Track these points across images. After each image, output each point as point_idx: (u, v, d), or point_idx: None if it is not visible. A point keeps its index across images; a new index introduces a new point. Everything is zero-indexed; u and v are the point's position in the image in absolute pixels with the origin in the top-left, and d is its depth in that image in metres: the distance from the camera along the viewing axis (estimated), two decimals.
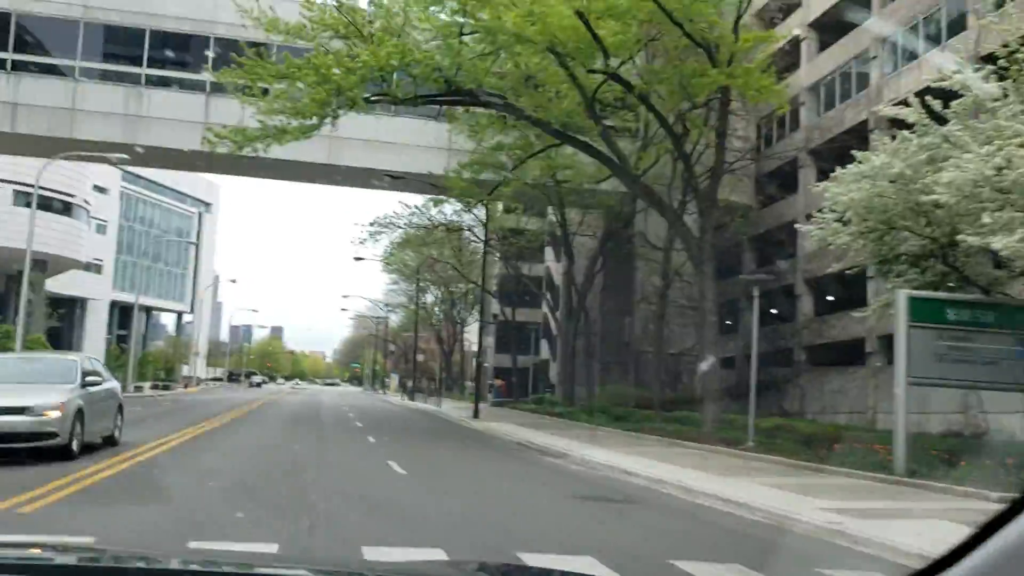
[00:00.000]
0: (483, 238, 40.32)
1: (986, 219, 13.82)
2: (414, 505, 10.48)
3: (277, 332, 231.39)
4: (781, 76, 28.88)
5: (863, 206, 16.36)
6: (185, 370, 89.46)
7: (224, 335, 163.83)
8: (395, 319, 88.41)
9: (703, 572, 7.25)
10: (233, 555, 2.33)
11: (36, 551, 1.68)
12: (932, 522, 10.10)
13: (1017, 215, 13.73)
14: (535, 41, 21.10)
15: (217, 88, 36.26)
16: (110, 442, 15.31)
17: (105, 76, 36.34)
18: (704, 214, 24.98)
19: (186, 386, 64.81)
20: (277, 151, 36.49)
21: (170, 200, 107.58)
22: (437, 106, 36.21)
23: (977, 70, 15.74)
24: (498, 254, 44.11)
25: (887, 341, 25.95)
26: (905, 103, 17.03)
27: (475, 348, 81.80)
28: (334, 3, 24.52)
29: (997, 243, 13.68)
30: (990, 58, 16.35)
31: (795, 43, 35.34)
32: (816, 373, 35.73)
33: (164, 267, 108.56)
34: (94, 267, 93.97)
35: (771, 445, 20.49)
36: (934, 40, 28.51)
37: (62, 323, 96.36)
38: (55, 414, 12.86)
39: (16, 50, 35.26)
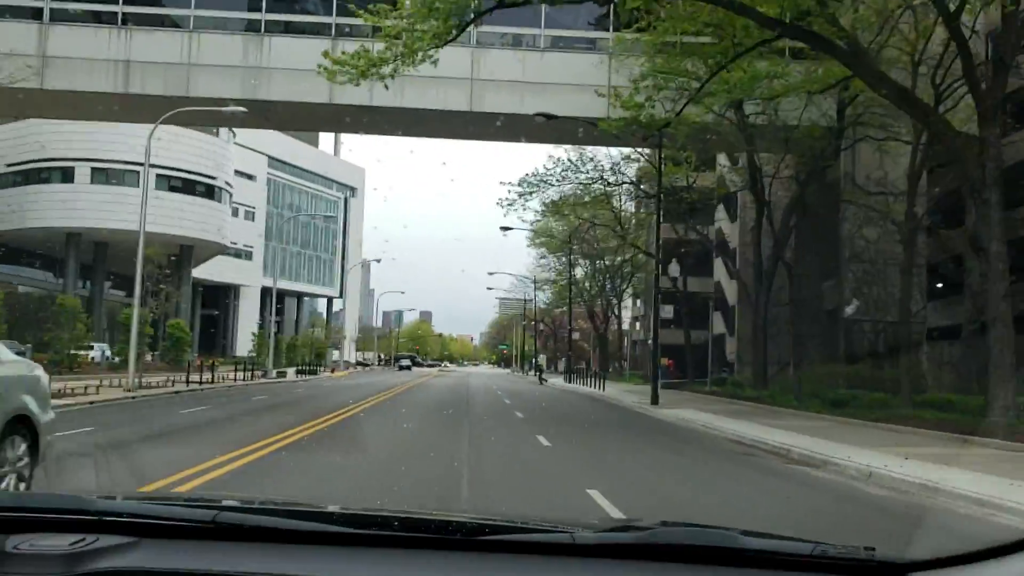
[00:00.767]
0: (649, 191, 33.81)
1: None
2: None
3: (426, 317, 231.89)
4: None
5: None
6: (335, 355, 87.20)
7: (377, 321, 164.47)
8: (543, 297, 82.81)
9: None
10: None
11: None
12: None
13: None
14: None
15: (343, 32, 31.22)
16: None
17: (220, 24, 31.90)
18: (985, 118, 17.44)
19: (332, 371, 61.43)
20: (412, 98, 31.31)
21: (316, 186, 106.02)
22: (597, 26, 29.95)
23: None
24: (659, 215, 37.24)
25: None
26: None
27: (627, 326, 75.02)
28: None
29: None
30: None
31: None
32: None
33: (313, 253, 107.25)
34: (244, 254, 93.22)
35: None
36: None
37: (217, 310, 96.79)
38: None
39: (127, 2, 31.37)
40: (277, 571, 1.37)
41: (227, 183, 63.60)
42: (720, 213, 43.52)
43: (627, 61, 26.27)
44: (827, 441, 15.96)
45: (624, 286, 56.38)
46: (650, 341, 49.85)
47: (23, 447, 6.97)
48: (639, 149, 35.51)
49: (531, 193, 37.05)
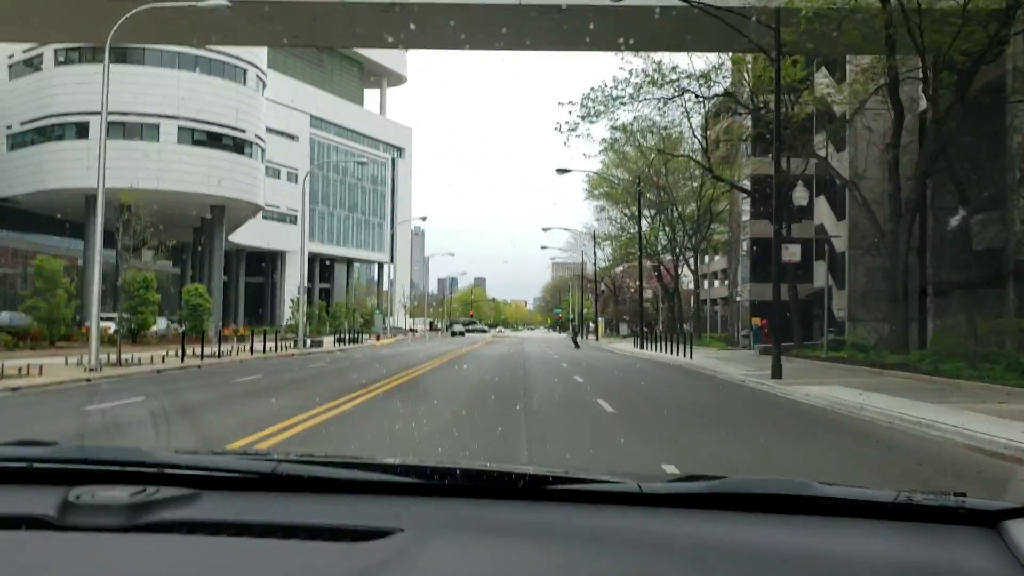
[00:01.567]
0: (751, 104, 26.17)
1: None
2: None
3: (480, 283, 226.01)
4: None
5: None
6: (387, 321, 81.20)
7: (432, 288, 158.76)
8: (602, 256, 75.31)
9: None
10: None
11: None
12: None
13: None
14: None
15: None
16: None
17: None
18: None
19: (378, 339, 55.12)
20: None
21: (362, 146, 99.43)
22: None
23: None
24: (778, 123, 29.41)
25: None
26: None
27: (692, 285, 67.07)
28: None
29: None
30: None
31: None
32: None
33: (361, 216, 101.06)
34: (289, 218, 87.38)
35: None
36: None
37: (263, 277, 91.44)
38: None
39: None
40: (338, 521, 1.31)
41: (258, 137, 57.14)
42: (819, 142, 35.47)
43: None
44: None
45: (701, 238, 48.41)
46: (738, 298, 42.33)
47: None
48: (729, 55, 27.83)
49: (597, 115, 29.33)
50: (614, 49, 26.63)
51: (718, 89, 30.75)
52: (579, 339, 61.69)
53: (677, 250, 53.10)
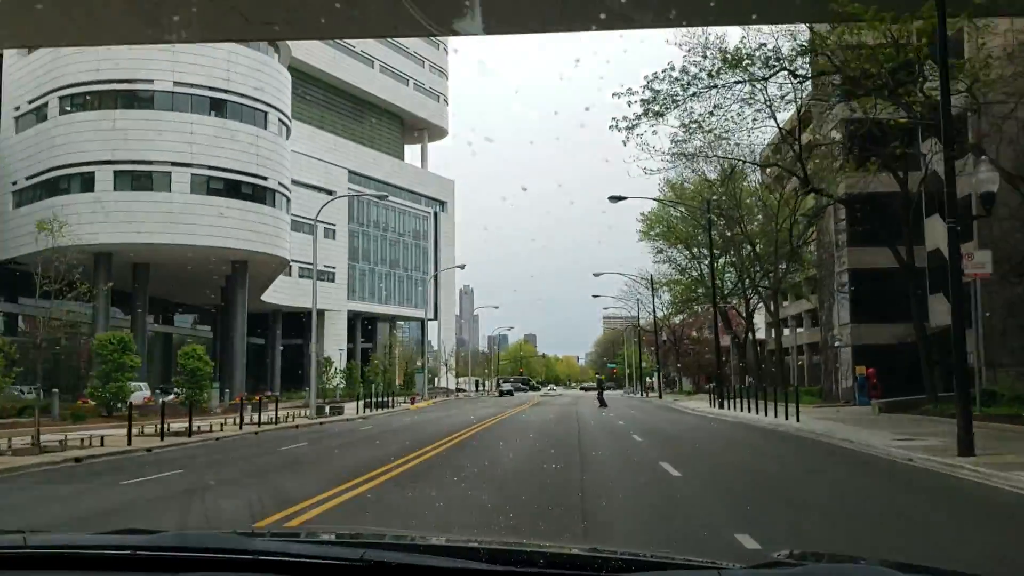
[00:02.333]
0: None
1: None
2: None
3: (530, 339, 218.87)
4: None
5: None
6: (432, 381, 74.61)
7: (482, 345, 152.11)
8: (658, 304, 68.00)
9: None
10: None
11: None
12: None
13: None
14: None
15: None
16: None
17: None
18: None
19: (413, 401, 48.51)
20: None
21: (403, 201, 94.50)
22: None
23: None
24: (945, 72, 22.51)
25: None
26: None
27: (763, 333, 59.26)
28: None
29: None
30: None
31: None
32: None
33: (404, 273, 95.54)
34: (327, 275, 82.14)
35: None
36: None
37: (301, 338, 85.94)
38: None
39: None
40: None
41: (282, 185, 51.80)
42: (929, 147, 28.29)
43: None
44: None
45: (780, 276, 40.85)
46: (837, 343, 34.27)
47: None
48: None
49: (664, 104, 22.26)
50: (669, 23, 20.09)
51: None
52: (639, 396, 54.34)
53: (749, 292, 45.70)
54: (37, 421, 18.25)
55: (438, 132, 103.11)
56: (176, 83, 46.43)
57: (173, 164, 46.31)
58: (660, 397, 55.13)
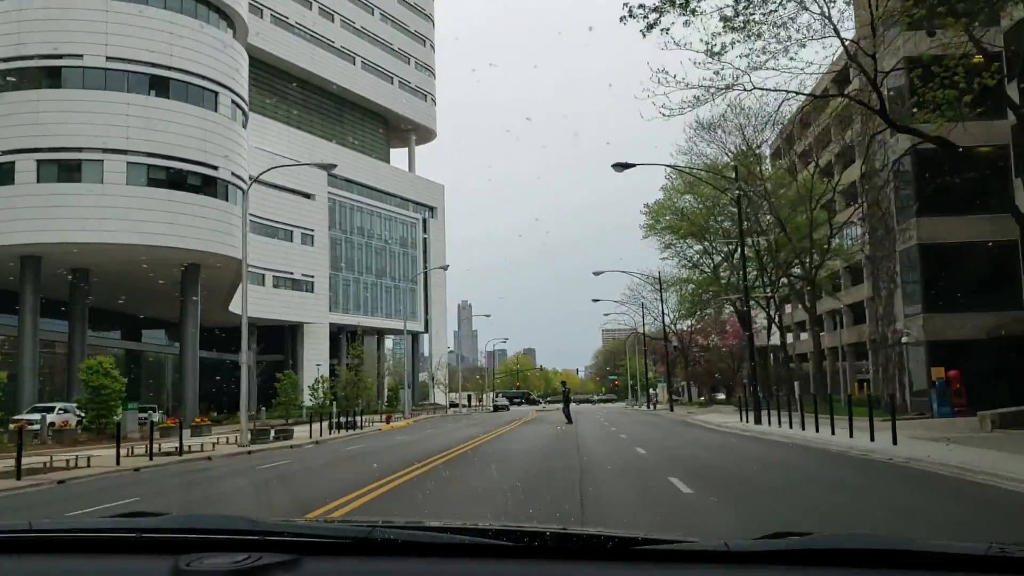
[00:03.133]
0: None
1: None
2: None
3: (529, 354, 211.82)
4: None
5: None
6: (411, 399, 67.47)
7: (482, 362, 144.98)
8: (654, 311, 61.02)
9: None
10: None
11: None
12: None
13: None
14: None
15: None
16: None
17: None
18: None
19: (388, 420, 41.39)
20: None
21: (388, 206, 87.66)
22: None
23: None
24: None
25: None
26: None
27: (778, 338, 52.30)
28: None
29: None
30: None
31: None
32: None
33: (391, 282, 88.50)
34: (305, 284, 75.14)
35: None
36: None
37: (282, 354, 78.83)
38: None
39: None
40: None
41: (237, 176, 44.90)
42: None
43: None
44: None
45: (816, 265, 33.81)
46: (905, 338, 27.04)
47: None
48: None
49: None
50: None
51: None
52: (645, 409, 47.24)
53: (776, 286, 38.75)
54: None
55: (426, 134, 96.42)
56: (109, 58, 39.66)
57: (106, 151, 39.42)
58: (671, 410, 48.02)
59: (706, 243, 48.72)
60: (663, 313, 49.09)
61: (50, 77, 39.43)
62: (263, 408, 44.64)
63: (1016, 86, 21.46)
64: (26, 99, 38.91)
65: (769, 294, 40.16)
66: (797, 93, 20.04)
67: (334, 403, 42.74)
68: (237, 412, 47.30)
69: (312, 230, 73.68)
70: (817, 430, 21.05)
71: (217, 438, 27.68)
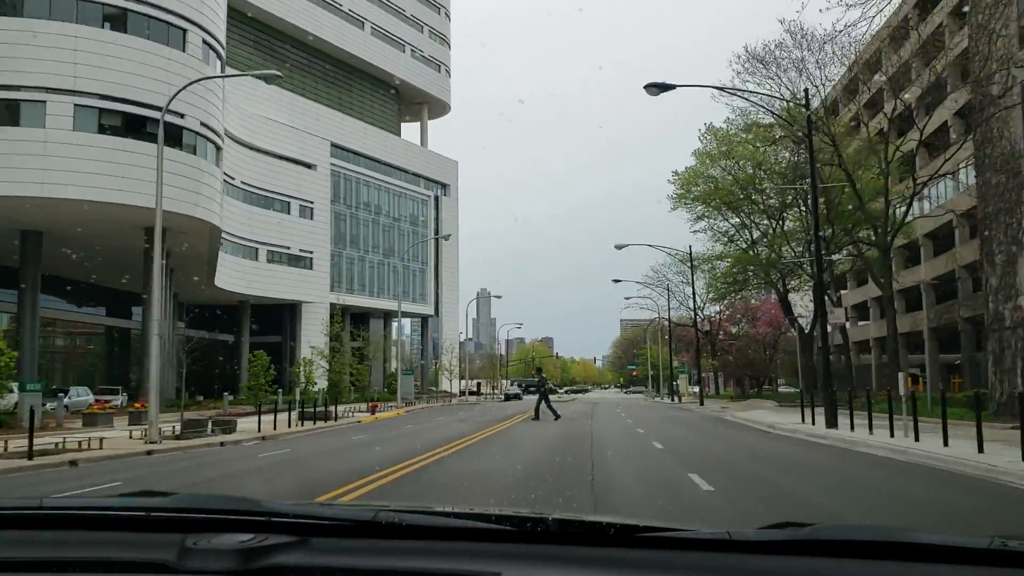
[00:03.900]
0: None
1: None
2: None
3: (547, 342, 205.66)
4: None
5: None
6: (407, 386, 61.32)
7: (501, 350, 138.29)
8: (676, 296, 54.21)
9: None
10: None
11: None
12: None
13: None
14: None
15: None
16: None
17: None
18: None
19: (373, 410, 35.17)
20: None
21: (399, 182, 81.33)
22: None
23: None
24: None
25: None
26: None
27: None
28: None
29: None
30: None
31: None
32: None
33: (400, 262, 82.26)
34: (303, 260, 69.09)
35: None
36: None
37: (281, 335, 72.96)
38: None
39: None
40: (438, 566, 1.32)
41: (209, 128, 38.68)
42: None
43: None
44: None
45: (895, 228, 27.22)
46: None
47: None
48: None
49: None
50: None
51: None
52: (668, 402, 40.67)
53: (836, 258, 31.96)
54: None
55: (440, 107, 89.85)
56: None
57: (49, 91, 33.37)
58: (701, 404, 41.36)
59: (743, 214, 42.01)
60: (693, 293, 42.42)
61: None
62: (226, 394, 38.49)
63: None
64: None
65: (830, 263, 33.37)
66: None
67: (320, 390, 36.65)
68: (224, 396, 41.47)
69: (311, 202, 67.58)
70: (917, 438, 14.56)
71: (130, 431, 21.58)
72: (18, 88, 33.11)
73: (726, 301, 54.80)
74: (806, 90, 22.89)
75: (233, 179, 60.21)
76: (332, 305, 70.30)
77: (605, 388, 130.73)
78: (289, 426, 25.48)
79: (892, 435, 16.03)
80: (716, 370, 58.81)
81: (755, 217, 42.50)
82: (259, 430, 23.06)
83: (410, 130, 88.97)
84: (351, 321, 73.39)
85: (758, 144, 37.00)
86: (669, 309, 53.03)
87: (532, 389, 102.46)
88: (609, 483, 10.37)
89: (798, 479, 11.49)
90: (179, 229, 38.38)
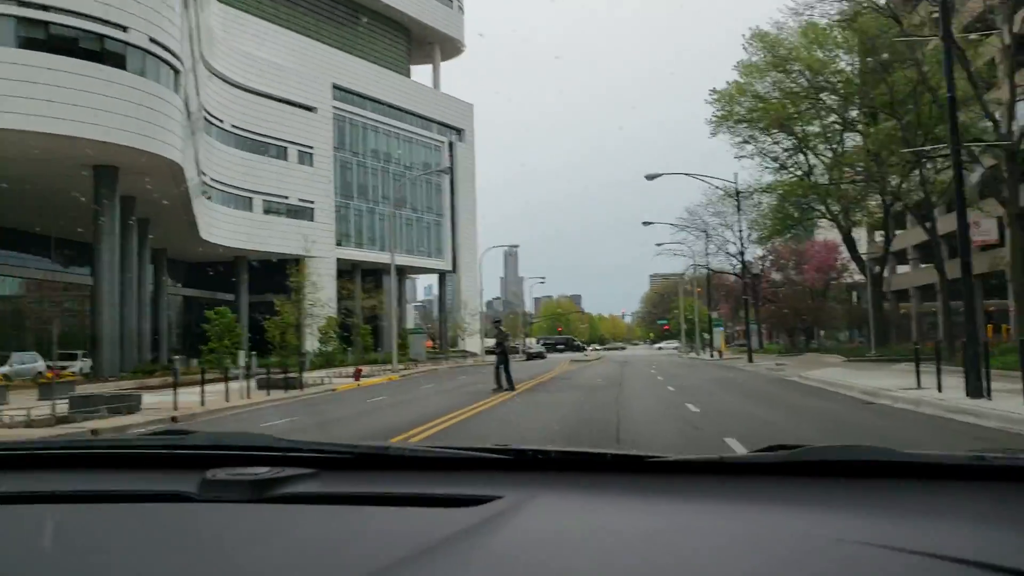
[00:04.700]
0: None
1: None
2: None
3: (575, 300, 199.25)
4: None
5: None
6: (418, 346, 55.43)
7: (530, 308, 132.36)
8: (713, 242, 47.39)
9: None
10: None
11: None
12: None
13: None
14: None
15: None
16: None
17: None
18: None
19: (358, 375, 29.28)
20: None
21: (410, 127, 74.60)
22: None
23: None
24: None
25: None
26: None
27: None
28: None
29: None
30: None
31: None
32: None
33: (412, 214, 75.95)
34: (304, 211, 63.11)
35: None
36: None
37: (285, 293, 67.44)
38: None
39: None
40: (444, 491, 1.36)
41: (161, 46, 32.37)
42: None
43: None
44: None
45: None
46: None
47: None
48: None
49: None
50: None
51: None
52: (707, 357, 34.41)
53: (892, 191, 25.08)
54: None
55: (452, 47, 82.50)
56: None
57: None
58: (750, 360, 34.70)
59: (797, 138, 35.02)
60: (740, 227, 35.36)
61: None
62: (176, 358, 32.75)
63: None
64: None
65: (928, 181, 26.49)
66: None
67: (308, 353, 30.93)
68: (174, 361, 35.84)
69: (311, 147, 61.33)
70: None
71: (11, 415, 15.80)
72: None
73: (768, 245, 47.94)
74: None
75: (221, 121, 54.16)
76: (340, 260, 64.51)
77: (636, 344, 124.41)
78: (228, 399, 19.52)
79: None
80: (761, 321, 52.06)
81: (810, 141, 35.52)
82: (175, 407, 17.10)
83: (422, 75, 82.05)
84: (362, 278, 67.54)
85: (822, 41, 29.95)
86: (707, 252, 46.24)
87: (560, 347, 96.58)
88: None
89: None
90: (135, 169, 32.44)
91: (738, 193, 34.08)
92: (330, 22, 68.76)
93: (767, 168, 35.69)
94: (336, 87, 65.32)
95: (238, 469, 1.42)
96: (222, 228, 50.89)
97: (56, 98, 28.25)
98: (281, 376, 24.50)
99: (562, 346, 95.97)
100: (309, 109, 62.07)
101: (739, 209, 34.40)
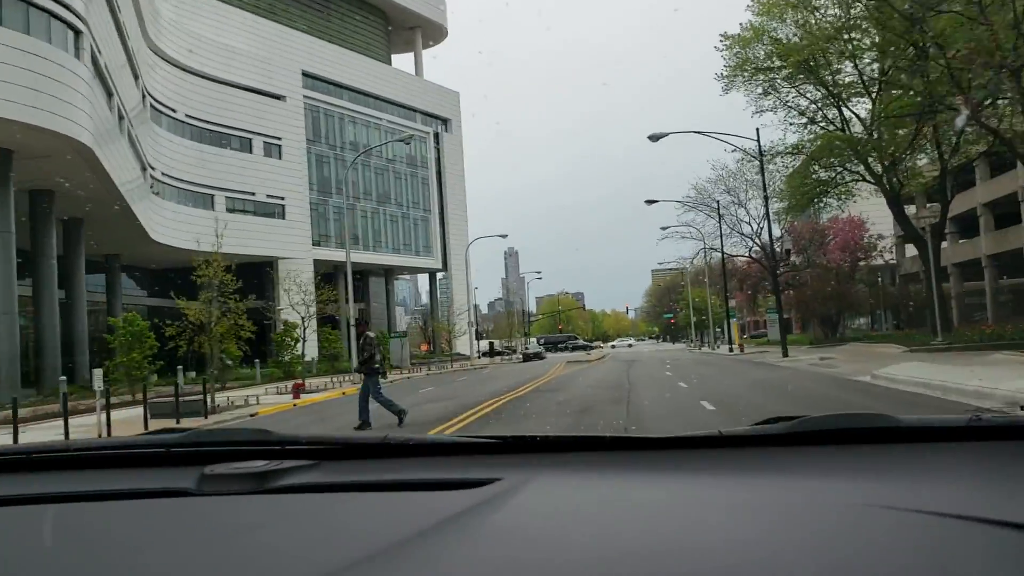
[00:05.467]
0: None
1: None
2: None
3: (578, 298, 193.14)
4: None
5: None
6: (399, 351, 49.65)
7: (532, 307, 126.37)
8: (718, 223, 41.45)
9: None
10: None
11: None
12: None
13: None
14: None
15: None
16: None
17: None
18: None
19: (297, 392, 23.36)
20: None
21: (390, 116, 68.78)
22: None
23: None
24: None
25: None
26: None
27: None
28: None
29: None
30: None
31: None
32: None
33: (397, 210, 70.19)
34: (273, 209, 57.37)
35: None
36: None
37: (267, 296, 61.64)
38: None
39: None
40: (443, 476, 1.38)
41: (58, 2, 26.58)
42: None
43: None
44: None
45: None
46: None
47: None
48: None
49: None
50: None
51: None
52: (722, 351, 28.67)
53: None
54: None
55: (435, 32, 76.67)
56: None
57: None
58: (785, 354, 28.49)
59: (827, 86, 29.07)
60: (765, 196, 29.29)
61: None
62: (62, 378, 26.83)
63: None
64: None
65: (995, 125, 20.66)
66: None
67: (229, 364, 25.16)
68: (60, 382, 29.83)
69: (279, 139, 55.60)
70: None
71: None
72: None
73: (786, 224, 41.97)
74: None
75: (174, 111, 48.49)
76: (325, 262, 58.73)
77: (642, 340, 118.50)
78: (101, 434, 13.70)
79: None
80: (787, 309, 46.00)
81: (842, 92, 29.61)
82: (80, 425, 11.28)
83: (406, 64, 76.22)
84: (343, 278, 61.61)
85: None
86: (721, 232, 40.22)
87: (563, 346, 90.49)
88: None
89: None
90: (29, 151, 26.63)
91: (761, 154, 28.10)
92: (298, 4, 63.04)
93: (791, 125, 29.84)
94: (306, 74, 59.60)
95: (237, 463, 1.40)
96: (178, 229, 45.07)
97: None
98: (191, 399, 18.64)
99: (563, 344, 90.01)
100: (277, 98, 56.37)
101: (762, 171, 28.38)
